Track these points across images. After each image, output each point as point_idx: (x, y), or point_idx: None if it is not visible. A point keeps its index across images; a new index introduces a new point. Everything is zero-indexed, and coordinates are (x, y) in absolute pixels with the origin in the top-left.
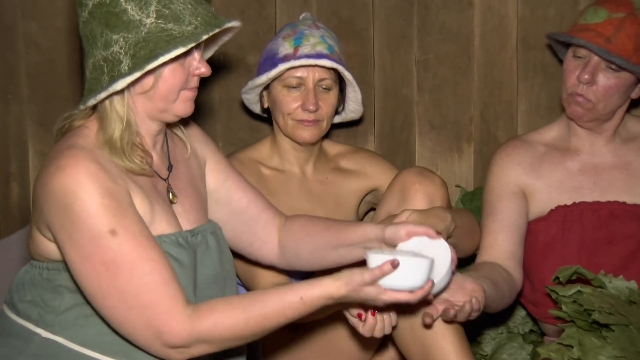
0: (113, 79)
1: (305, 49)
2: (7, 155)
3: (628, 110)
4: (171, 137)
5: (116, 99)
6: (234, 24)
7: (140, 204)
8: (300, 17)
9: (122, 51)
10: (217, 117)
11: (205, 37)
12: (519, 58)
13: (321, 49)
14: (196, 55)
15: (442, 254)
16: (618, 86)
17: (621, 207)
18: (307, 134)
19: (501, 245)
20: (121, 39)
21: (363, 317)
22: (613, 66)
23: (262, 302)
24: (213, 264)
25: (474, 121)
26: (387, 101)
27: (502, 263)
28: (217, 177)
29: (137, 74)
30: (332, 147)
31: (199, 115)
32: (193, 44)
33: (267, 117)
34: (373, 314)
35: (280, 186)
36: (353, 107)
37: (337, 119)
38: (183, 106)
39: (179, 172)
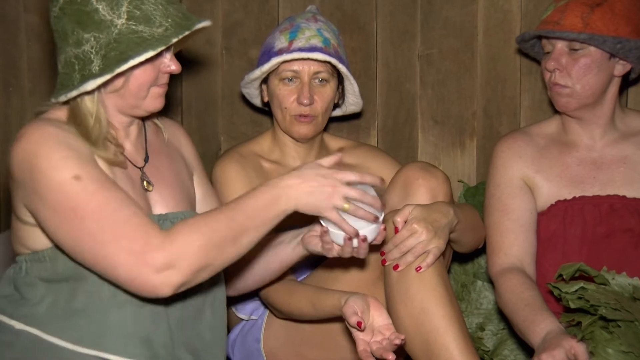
0: (84, 78)
1: (299, 43)
2: (9, 148)
3: (627, 104)
4: (150, 127)
5: (87, 97)
6: (204, 24)
7: (102, 168)
8: (307, 9)
9: (93, 51)
10: (219, 111)
11: (175, 40)
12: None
13: (315, 42)
14: (167, 54)
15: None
16: (587, 64)
17: (621, 201)
18: (303, 129)
19: (522, 245)
20: (92, 39)
21: (362, 325)
22: (576, 46)
23: (237, 209)
24: None
25: (477, 116)
26: (390, 96)
27: (523, 261)
28: (197, 192)
29: (107, 76)
30: (333, 142)
31: (201, 110)
32: (163, 47)
33: (268, 111)
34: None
35: None
36: (352, 100)
37: (338, 112)
38: (153, 102)
39: (158, 162)
